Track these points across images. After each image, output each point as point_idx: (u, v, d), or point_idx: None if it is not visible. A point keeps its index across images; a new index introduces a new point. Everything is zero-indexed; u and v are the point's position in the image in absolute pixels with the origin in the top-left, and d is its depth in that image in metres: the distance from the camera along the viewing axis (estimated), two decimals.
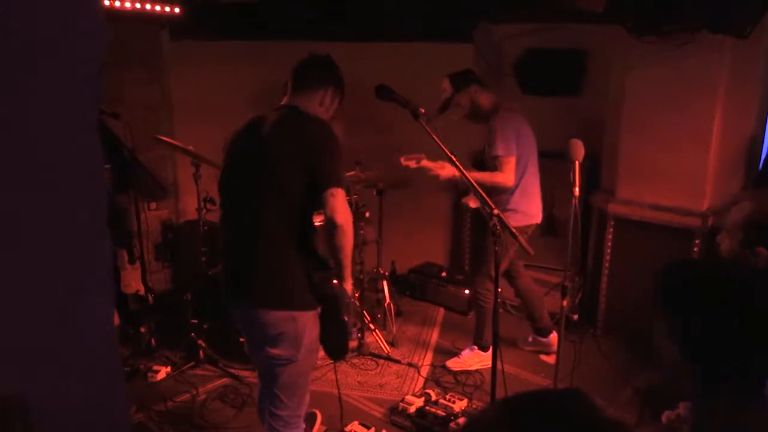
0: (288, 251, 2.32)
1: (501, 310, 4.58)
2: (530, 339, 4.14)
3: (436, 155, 2.61)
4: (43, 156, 0.95)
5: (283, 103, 2.48)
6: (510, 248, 3.61)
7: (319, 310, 2.45)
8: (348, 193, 2.45)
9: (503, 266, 3.78)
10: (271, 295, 2.35)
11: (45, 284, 1.01)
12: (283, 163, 2.27)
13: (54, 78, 0.93)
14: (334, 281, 2.43)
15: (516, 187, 3.60)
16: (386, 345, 4.14)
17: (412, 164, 3.50)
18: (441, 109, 3.66)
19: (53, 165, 0.95)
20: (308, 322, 2.41)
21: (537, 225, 3.75)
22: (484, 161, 3.69)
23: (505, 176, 3.52)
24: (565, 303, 2.75)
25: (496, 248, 2.36)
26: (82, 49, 0.97)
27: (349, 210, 2.28)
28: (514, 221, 3.56)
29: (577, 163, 2.65)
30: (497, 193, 3.53)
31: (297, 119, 2.36)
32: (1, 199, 0.93)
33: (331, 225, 2.23)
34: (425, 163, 3.54)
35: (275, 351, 2.40)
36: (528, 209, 3.67)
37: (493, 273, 3.73)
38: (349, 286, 2.45)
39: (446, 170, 3.52)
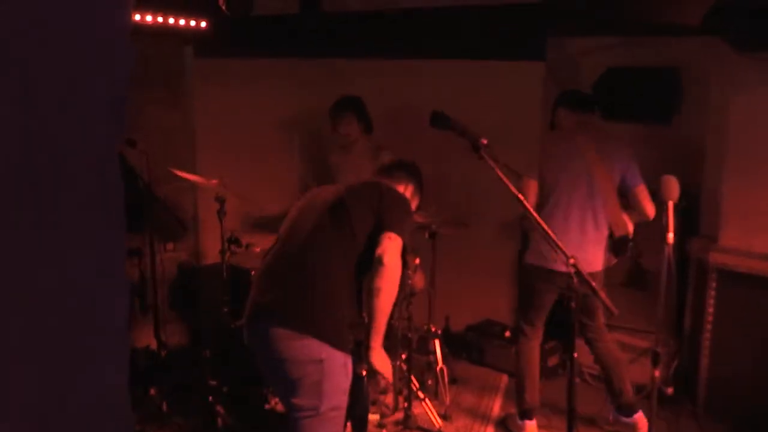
0: (337, 289, 2.62)
1: (577, 380, 4.49)
2: (611, 418, 4.04)
3: (501, 192, 2.62)
4: (56, 195, 0.99)
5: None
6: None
7: (349, 355, 2.57)
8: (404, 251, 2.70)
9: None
10: (304, 318, 2.52)
11: (49, 344, 1.04)
12: (358, 206, 2.72)
13: (76, 106, 0.98)
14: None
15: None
16: (438, 418, 4.10)
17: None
18: (604, 116, 4.20)
19: (68, 205, 0.99)
20: (336, 366, 2.52)
21: (561, 275, 3.57)
22: None
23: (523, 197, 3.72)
24: (657, 373, 2.69)
25: (572, 304, 2.34)
26: (108, 72, 1.02)
27: (399, 260, 2.57)
28: (527, 257, 3.82)
29: (671, 204, 2.63)
30: None
31: (377, 182, 2.95)
32: (6, 245, 0.97)
33: (376, 263, 2.52)
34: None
35: (297, 399, 2.52)
36: (540, 247, 3.73)
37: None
38: (375, 354, 2.58)
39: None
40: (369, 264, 2.61)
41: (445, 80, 5.06)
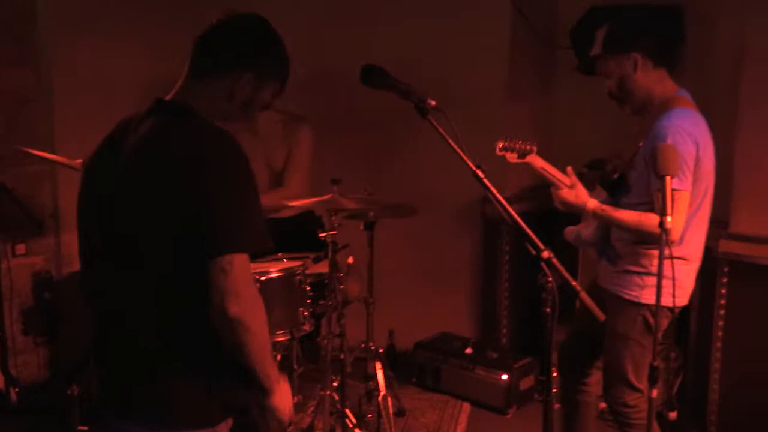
0: (173, 334, 2.20)
1: (557, 406, 4.59)
2: None
3: (458, 170, 2.62)
4: None
5: (168, 96, 2.34)
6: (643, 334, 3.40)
7: (228, 424, 2.35)
8: (262, 247, 2.16)
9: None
10: (145, 402, 2.25)
11: None
12: (141, 212, 2.14)
13: None
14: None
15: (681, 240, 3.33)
16: None
17: (512, 158, 3.37)
18: (581, 69, 3.76)
19: None
20: None
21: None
22: (621, 180, 3.49)
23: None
24: (655, 393, 2.76)
25: (547, 309, 2.39)
26: None
27: (253, 289, 2.14)
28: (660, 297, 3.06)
29: (668, 179, 2.68)
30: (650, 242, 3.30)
31: (175, 129, 2.20)
32: None
33: (220, 317, 2.06)
34: (534, 160, 3.35)
35: None
36: (684, 278, 3.39)
37: (632, 379, 3.46)
38: (277, 399, 2.28)
39: (576, 193, 3.36)
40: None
41: (383, 23, 5.06)
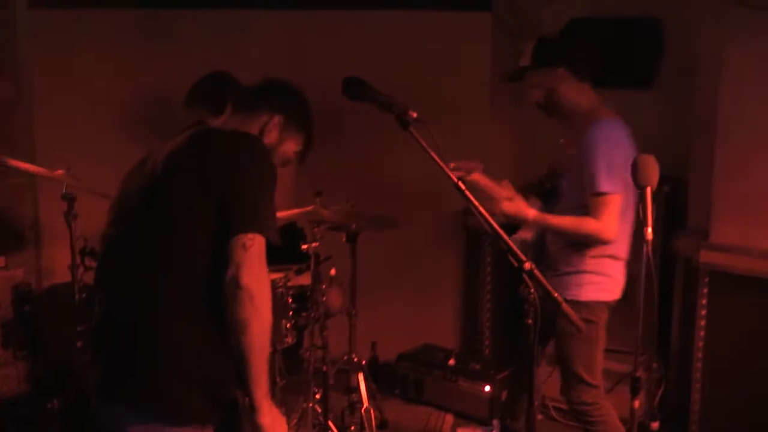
0: (179, 328, 2.33)
1: (540, 417, 4.60)
2: None
3: (439, 182, 2.64)
4: None
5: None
6: (599, 332, 3.58)
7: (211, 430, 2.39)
8: (270, 242, 2.36)
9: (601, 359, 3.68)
10: (142, 393, 2.32)
11: None
12: (180, 196, 2.36)
13: None
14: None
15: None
16: None
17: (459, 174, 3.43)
18: (509, 77, 3.76)
19: None
20: None
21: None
22: (553, 189, 3.69)
23: (604, 224, 3.39)
24: (637, 404, 2.76)
25: (528, 321, 2.40)
26: None
27: (266, 270, 2.32)
28: (597, 293, 3.55)
29: (648, 190, 2.69)
30: (584, 243, 3.51)
31: (214, 135, 2.53)
32: None
33: (231, 287, 2.25)
34: (479, 178, 3.48)
35: None
36: (615, 274, 3.59)
37: (585, 375, 3.59)
38: (265, 413, 2.34)
39: (516, 204, 3.43)
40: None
41: (365, 38, 5.07)
